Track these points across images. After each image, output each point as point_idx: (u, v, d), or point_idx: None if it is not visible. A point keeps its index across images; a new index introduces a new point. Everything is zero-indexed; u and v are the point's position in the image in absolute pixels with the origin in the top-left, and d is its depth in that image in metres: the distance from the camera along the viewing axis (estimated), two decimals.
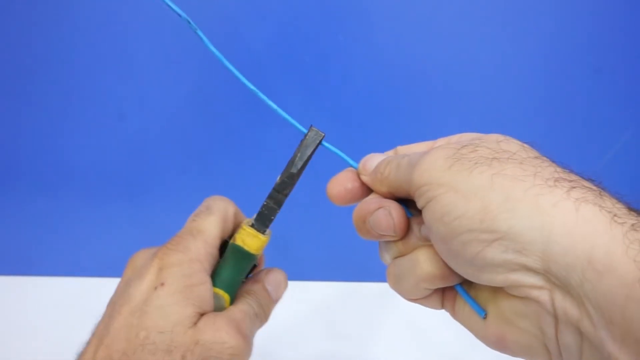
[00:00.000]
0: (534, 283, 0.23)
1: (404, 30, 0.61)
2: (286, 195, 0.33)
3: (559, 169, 0.25)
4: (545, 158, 0.26)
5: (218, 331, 0.29)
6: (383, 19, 0.61)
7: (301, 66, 0.62)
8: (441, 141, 0.31)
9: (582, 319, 0.22)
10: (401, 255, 0.30)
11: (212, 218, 0.33)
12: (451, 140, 0.31)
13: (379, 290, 0.69)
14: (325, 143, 0.33)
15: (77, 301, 0.64)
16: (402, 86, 0.63)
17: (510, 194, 0.23)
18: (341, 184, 0.32)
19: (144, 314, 0.29)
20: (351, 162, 0.33)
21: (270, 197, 0.33)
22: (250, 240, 0.33)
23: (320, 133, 0.32)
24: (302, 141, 0.33)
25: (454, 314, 0.30)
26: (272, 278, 0.35)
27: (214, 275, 0.33)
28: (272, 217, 0.33)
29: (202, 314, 0.30)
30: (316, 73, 0.63)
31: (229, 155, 0.67)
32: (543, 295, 0.23)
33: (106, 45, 0.62)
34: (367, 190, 0.32)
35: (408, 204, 0.30)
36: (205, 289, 0.31)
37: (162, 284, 0.30)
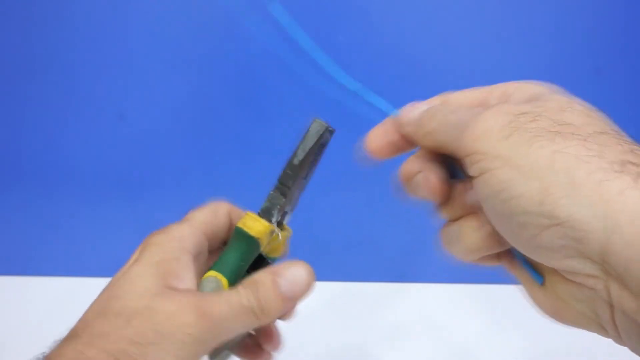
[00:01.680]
0: (589, 272, 0.22)
1: (405, 31, 0.61)
2: (289, 188, 0.33)
3: (627, 147, 0.23)
4: (613, 133, 0.24)
5: (173, 302, 0.27)
6: (384, 19, 0.61)
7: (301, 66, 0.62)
8: (497, 91, 0.30)
9: None
10: (450, 219, 0.29)
11: (202, 210, 0.34)
12: (507, 90, 0.30)
13: (394, 290, 0.69)
14: (363, 94, 0.33)
15: (77, 301, 0.64)
16: (403, 87, 0.63)
17: (572, 176, 0.22)
18: (382, 136, 0.30)
19: (112, 286, 0.29)
20: (392, 109, 0.31)
21: (274, 188, 0.33)
22: (250, 222, 0.33)
23: (324, 124, 0.33)
24: (305, 133, 0.33)
25: (512, 271, 0.29)
26: (289, 271, 0.31)
27: (217, 260, 0.33)
28: (277, 207, 0.33)
29: (171, 288, 0.29)
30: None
31: (229, 155, 0.67)
32: (598, 285, 0.22)
33: (106, 45, 0.62)
34: (410, 142, 0.30)
35: (457, 162, 0.28)
36: (178, 264, 0.30)
37: (137, 260, 0.30)
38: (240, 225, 0.33)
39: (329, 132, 0.33)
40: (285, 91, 0.62)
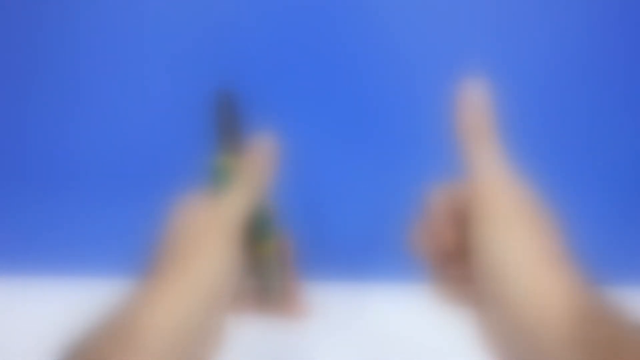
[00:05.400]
0: None
1: (405, 32, 0.61)
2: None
3: None
4: None
5: None
6: (385, 19, 0.61)
7: (301, 68, 0.62)
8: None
9: None
10: None
11: None
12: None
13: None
14: None
15: (77, 301, 0.64)
16: (404, 87, 0.63)
17: None
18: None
19: None
20: None
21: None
22: None
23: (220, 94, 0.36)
24: None
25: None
26: None
27: None
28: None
29: None
30: (316, 74, 0.62)
31: None
32: None
33: (106, 44, 0.62)
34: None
35: None
36: None
37: None
38: None
39: (222, 99, 0.36)
40: (286, 94, 0.62)
